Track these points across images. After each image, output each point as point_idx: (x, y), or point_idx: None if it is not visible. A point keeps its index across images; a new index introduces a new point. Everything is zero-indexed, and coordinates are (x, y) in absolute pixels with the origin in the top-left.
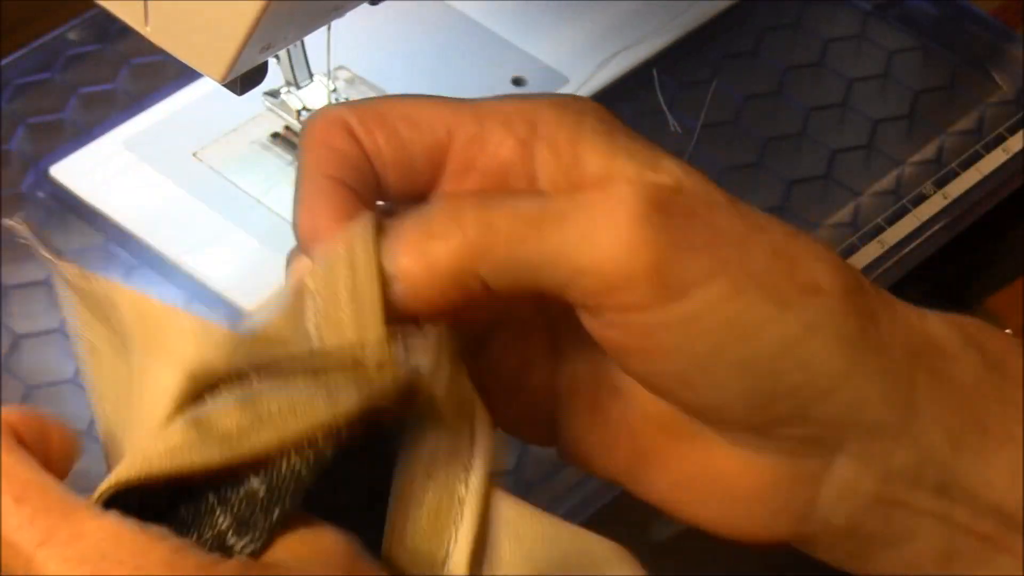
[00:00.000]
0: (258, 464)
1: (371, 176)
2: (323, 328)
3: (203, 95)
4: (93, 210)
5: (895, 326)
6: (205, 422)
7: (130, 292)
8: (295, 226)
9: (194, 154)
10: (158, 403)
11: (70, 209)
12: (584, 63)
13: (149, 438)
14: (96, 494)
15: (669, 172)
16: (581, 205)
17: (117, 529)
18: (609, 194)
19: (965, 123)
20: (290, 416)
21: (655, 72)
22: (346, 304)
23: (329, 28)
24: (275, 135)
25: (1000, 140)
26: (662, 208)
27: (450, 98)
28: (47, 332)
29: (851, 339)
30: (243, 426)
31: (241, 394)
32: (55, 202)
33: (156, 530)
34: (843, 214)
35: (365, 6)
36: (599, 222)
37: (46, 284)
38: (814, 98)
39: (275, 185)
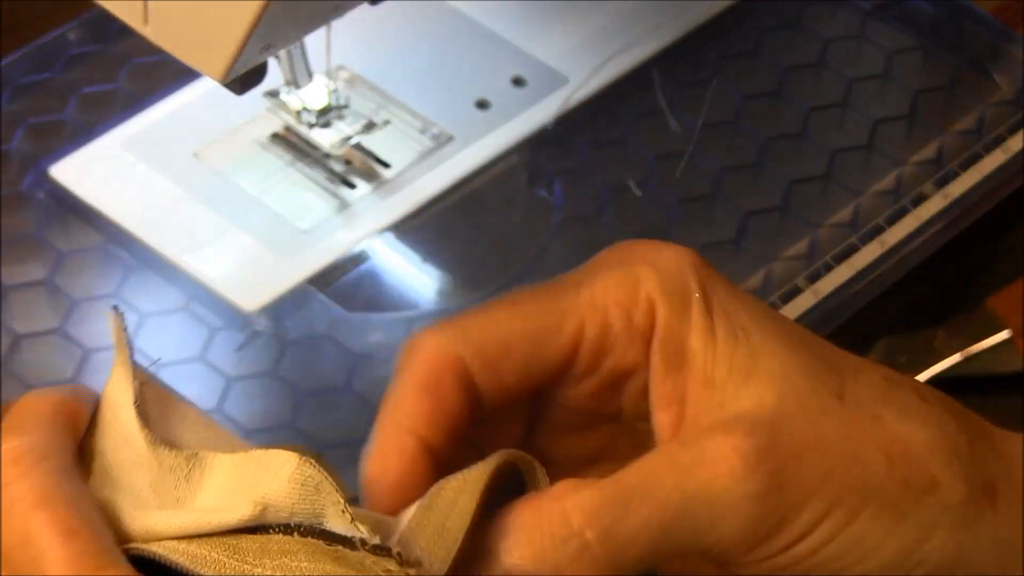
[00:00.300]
0: None
1: (462, 427)
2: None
3: (203, 95)
4: (93, 210)
5: (1011, 489)
6: (240, 549)
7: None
8: (363, 468)
9: (194, 154)
10: (211, 517)
11: (70, 209)
12: (584, 63)
13: (180, 534)
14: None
15: (769, 373)
16: (695, 495)
17: None
18: (718, 470)
19: (965, 123)
20: None
21: (655, 72)
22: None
23: (329, 28)
24: (275, 135)
25: (1000, 140)
26: (771, 469)
27: (559, 288)
28: (47, 332)
29: (969, 523)
30: (268, 573)
31: (282, 540)
32: (55, 202)
33: None
34: (843, 214)
35: (365, 6)
36: (716, 509)
37: (46, 284)
38: (814, 98)
39: (275, 185)
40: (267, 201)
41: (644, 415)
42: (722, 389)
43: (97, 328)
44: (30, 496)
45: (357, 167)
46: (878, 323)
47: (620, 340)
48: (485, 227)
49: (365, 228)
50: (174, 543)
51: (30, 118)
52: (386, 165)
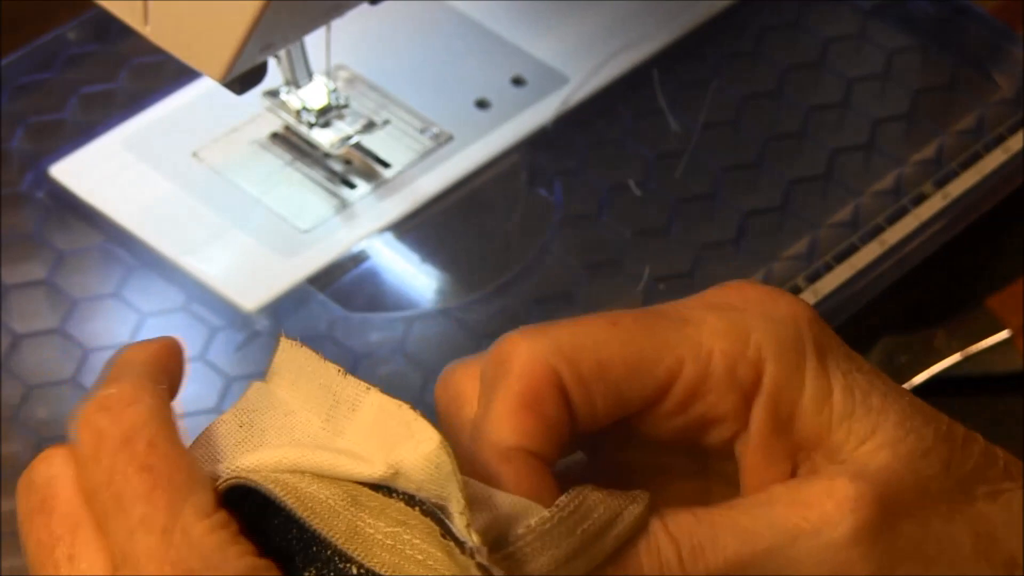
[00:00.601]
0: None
1: (565, 440)
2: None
3: (203, 95)
4: (93, 210)
5: None
6: (359, 503)
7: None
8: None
9: (194, 154)
10: (343, 464)
11: (70, 209)
12: (584, 63)
13: (309, 476)
14: (226, 477)
15: (886, 436)
16: (785, 530)
17: (210, 540)
18: (813, 510)
19: (965, 123)
20: (420, 565)
21: (655, 72)
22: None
23: (329, 28)
24: (275, 135)
25: (1000, 140)
26: (871, 517)
27: (661, 318)
28: (47, 332)
29: None
30: (380, 536)
31: (402, 510)
32: (55, 202)
33: (245, 557)
34: (843, 214)
35: (365, 6)
36: (805, 550)
37: (46, 284)
38: (814, 98)
39: (275, 185)
40: (267, 201)
41: (721, 454)
42: (837, 451)
43: (97, 328)
44: (116, 438)
45: (357, 167)
46: (878, 323)
47: (717, 388)
48: (485, 227)
49: (365, 228)
50: (295, 479)
51: (30, 118)
52: (386, 165)
